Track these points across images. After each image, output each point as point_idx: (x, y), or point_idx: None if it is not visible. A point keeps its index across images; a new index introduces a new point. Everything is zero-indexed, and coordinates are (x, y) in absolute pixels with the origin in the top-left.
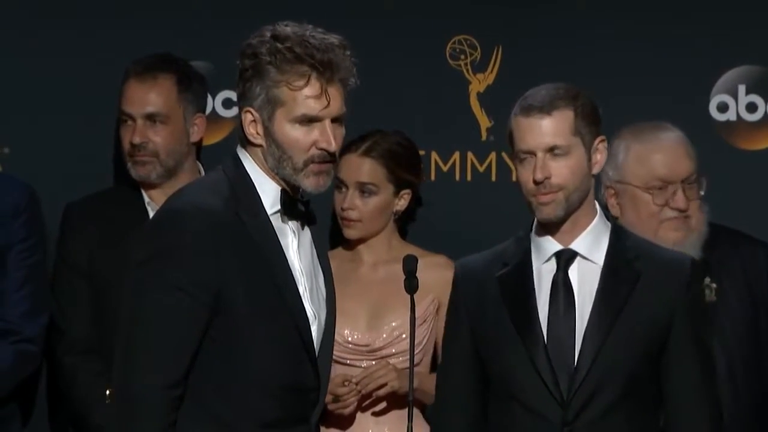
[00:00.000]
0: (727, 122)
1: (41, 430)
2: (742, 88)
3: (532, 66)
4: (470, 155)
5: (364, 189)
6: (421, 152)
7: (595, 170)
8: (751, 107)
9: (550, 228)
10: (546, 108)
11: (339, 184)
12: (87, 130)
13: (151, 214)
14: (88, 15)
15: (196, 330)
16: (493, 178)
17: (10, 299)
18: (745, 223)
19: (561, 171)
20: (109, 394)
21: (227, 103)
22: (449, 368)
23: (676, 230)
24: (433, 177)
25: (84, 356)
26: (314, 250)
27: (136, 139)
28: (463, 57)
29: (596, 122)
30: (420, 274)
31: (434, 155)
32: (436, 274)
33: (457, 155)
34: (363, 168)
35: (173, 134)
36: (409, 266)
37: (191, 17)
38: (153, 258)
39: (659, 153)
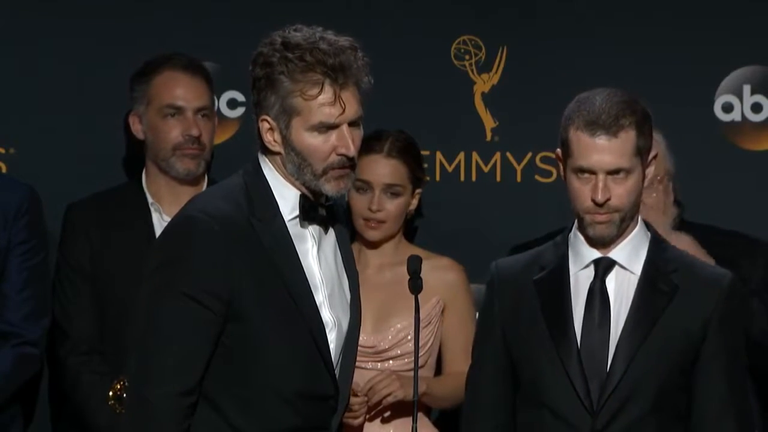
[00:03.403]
0: (732, 122)
1: None
2: (747, 89)
3: (536, 66)
4: (475, 155)
5: (391, 190)
6: (426, 152)
7: (645, 184)
8: (756, 107)
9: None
10: (613, 129)
11: (363, 185)
12: (90, 131)
13: (154, 215)
14: (93, 16)
15: (208, 337)
16: (498, 179)
17: (11, 302)
18: (749, 224)
19: (621, 193)
20: (111, 395)
21: (232, 104)
22: (480, 371)
23: None
24: (437, 177)
25: (87, 357)
26: (339, 255)
27: (195, 132)
28: (468, 57)
29: (651, 134)
30: (425, 275)
31: (439, 155)
32: (441, 276)
33: (461, 155)
34: (389, 169)
35: (213, 129)
36: (414, 266)
37: (195, 17)
38: (164, 266)
39: None
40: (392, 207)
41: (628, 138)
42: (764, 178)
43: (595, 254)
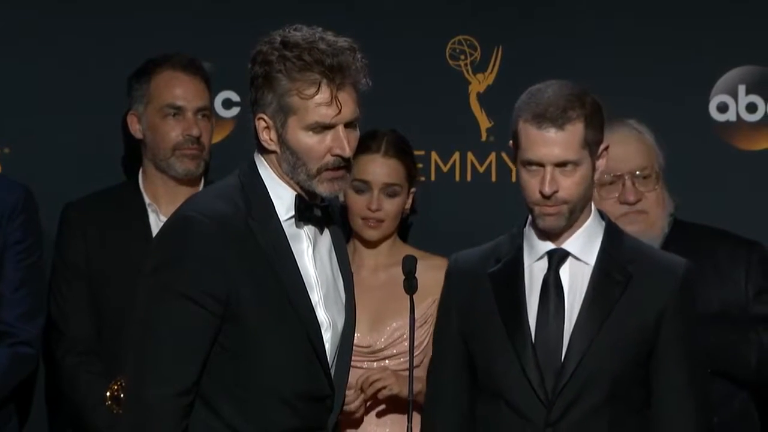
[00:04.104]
0: (727, 122)
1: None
2: (742, 89)
3: (532, 66)
4: (470, 156)
5: (390, 190)
6: (421, 152)
7: (597, 176)
8: (751, 107)
9: None
10: (559, 121)
11: (361, 186)
12: (87, 131)
13: (151, 215)
14: (90, 15)
15: (205, 337)
16: (493, 179)
17: (6, 301)
18: (744, 224)
19: (569, 185)
20: (109, 395)
21: (227, 104)
22: (439, 363)
23: (630, 224)
24: (433, 177)
25: (84, 357)
26: (334, 255)
27: (195, 132)
28: (463, 57)
29: (602, 127)
30: (420, 275)
31: (434, 155)
32: (436, 276)
33: (457, 156)
34: (388, 169)
35: (212, 129)
36: (409, 266)
37: (191, 18)
38: (160, 267)
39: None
40: (391, 206)
41: (575, 130)
42: (759, 178)
43: (549, 246)
